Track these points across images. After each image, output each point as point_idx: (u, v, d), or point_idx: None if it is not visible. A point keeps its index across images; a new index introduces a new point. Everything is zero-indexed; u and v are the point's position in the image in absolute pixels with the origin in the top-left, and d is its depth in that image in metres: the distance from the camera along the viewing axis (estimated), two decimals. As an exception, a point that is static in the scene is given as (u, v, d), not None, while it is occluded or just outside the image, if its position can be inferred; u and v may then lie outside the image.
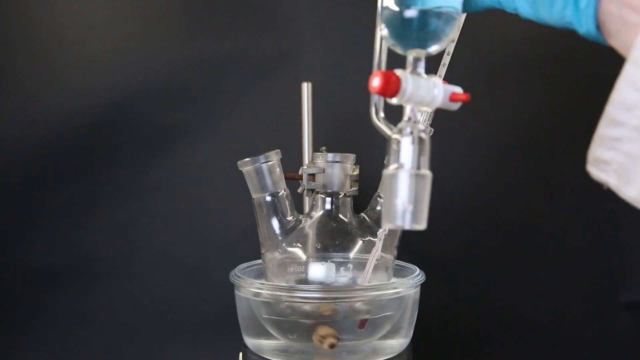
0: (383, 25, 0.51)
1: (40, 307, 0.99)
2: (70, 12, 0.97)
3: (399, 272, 0.73)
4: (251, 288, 0.67)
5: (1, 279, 0.99)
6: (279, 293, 0.66)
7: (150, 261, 1.00)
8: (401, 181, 0.48)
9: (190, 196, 1.01)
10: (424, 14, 0.48)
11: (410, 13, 0.48)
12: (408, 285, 0.68)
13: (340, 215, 0.71)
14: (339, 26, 0.98)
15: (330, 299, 0.65)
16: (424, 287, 0.71)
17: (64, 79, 0.98)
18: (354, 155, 0.72)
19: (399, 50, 0.51)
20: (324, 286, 0.68)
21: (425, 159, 0.49)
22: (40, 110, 0.98)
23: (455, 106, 0.52)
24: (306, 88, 0.80)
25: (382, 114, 0.51)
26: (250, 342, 0.70)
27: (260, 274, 0.73)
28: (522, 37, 0.96)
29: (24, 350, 0.99)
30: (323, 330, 0.65)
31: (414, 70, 0.50)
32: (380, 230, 0.67)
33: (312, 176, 0.71)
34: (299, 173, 0.72)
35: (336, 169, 0.71)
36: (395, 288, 0.67)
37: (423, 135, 0.49)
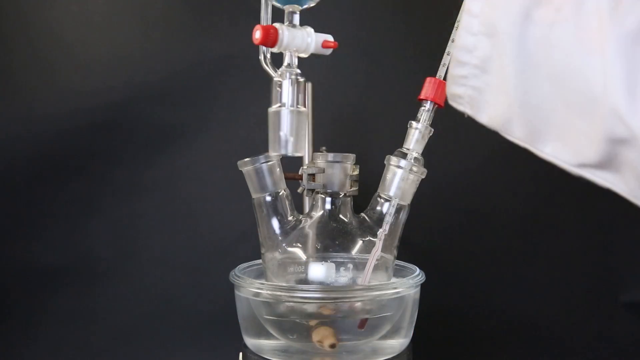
0: None
1: (41, 307, 0.99)
2: (70, 12, 0.97)
3: (399, 272, 0.73)
4: (251, 288, 0.67)
5: (1, 279, 0.99)
6: (279, 293, 0.66)
7: (150, 261, 1.00)
8: (283, 116, 0.58)
9: (190, 196, 1.01)
10: None
11: None
12: (408, 285, 0.68)
13: (341, 216, 0.71)
14: (338, 26, 0.98)
15: (330, 299, 0.65)
16: (424, 287, 0.71)
17: (64, 79, 0.98)
18: (354, 155, 0.72)
19: (278, 5, 0.60)
20: (324, 286, 0.68)
21: (302, 98, 0.59)
22: (40, 110, 0.98)
23: (327, 52, 0.61)
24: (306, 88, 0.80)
25: (269, 59, 0.60)
26: (250, 342, 0.70)
27: (260, 274, 0.73)
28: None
29: (24, 350, 0.99)
30: (322, 331, 0.65)
31: (290, 23, 0.60)
32: (380, 230, 0.67)
33: (312, 176, 0.71)
34: (299, 173, 0.72)
35: (336, 169, 0.71)
36: (395, 288, 0.67)
37: (300, 78, 0.59)
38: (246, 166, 0.68)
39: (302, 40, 0.59)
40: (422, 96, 0.66)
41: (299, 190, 0.72)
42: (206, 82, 0.96)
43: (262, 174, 0.67)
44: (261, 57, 0.61)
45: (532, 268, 1.01)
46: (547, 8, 0.46)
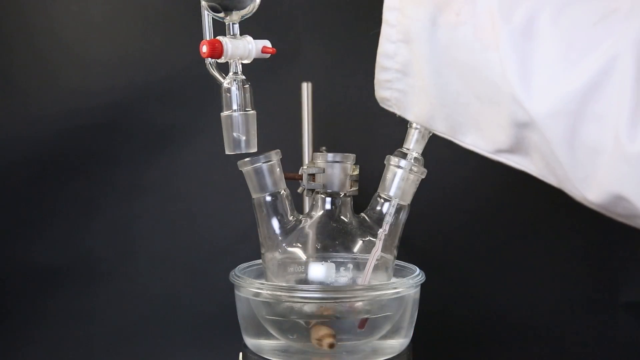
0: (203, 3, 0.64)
1: (40, 307, 0.99)
2: (70, 12, 0.97)
3: (399, 272, 0.73)
4: (251, 288, 0.67)
5: (1, 279, 0.99)
6: (279, 293, 0.66)
7: (150, 261, 1.00)
8: (234, 119, 0.64)
9: (190, 196, 1.00)
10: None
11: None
12: (408, 285, 0.68)
13: (341, 216, 0.71)
14: (339, 26, 0.98)
15: (330, 299, 0.65)
16: (424, 287, 0.71)
17: (64, 79, 0.98)
18: (354, 155, 0.72)
19: (218, 18, 0.64)
20: (324, 286, 0.68)
21: (249, 100, 0.65)
22: (40, 110, 0.97)
23: (267, 56, 0.66)
24: (306, 88, 0.80)
25: (214, 66, 0.65)
26: (250, 342, 0.70)
27: (260, 274, 0.73)
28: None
29: (23, 350, 0.99)
30: (320, 331, 0.65)
31: (231, 34, 0.65)
32: (380, 230, 0.67)
33: (312, 176, 0.71)
34: (299, 173, 0.72)
35: (336, 169, 0.71)
36: (395, 288, 0.67)
37: (245, 84, 0.65)
38: (246, 166, 0.68)
39: (244, 48, 0.65)
40: None
41: (299, 190, 0.72)
42: (206, 82, 0.96)
43: (262, 174, 0.68)
44: (208, 66, 0.66)
45: (532, 268, 1.01)
46: (449, 13, 0.50)
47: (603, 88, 0.43)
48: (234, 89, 0.65)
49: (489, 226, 1.00)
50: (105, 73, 0.98)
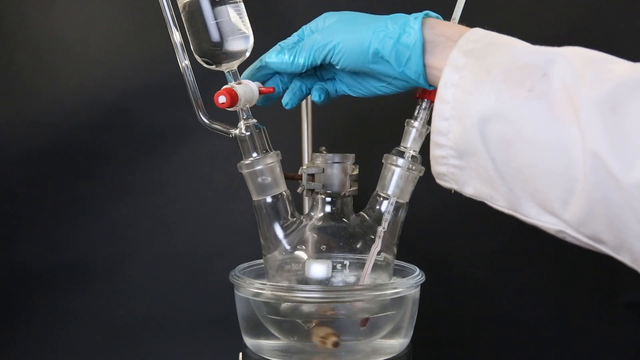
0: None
1: (40, 307, 0.99)
2: (70, 12, 0.97)
3: (399, 272, 0.73)
4: (251, 288, 0.67)
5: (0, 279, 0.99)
6: (279, 293, 0.66)
7: (150, 261, 1.00)
8: (260, 164, 0.66)
9: (190, 196, 1.01)
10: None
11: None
12: (408, 285, 0.68)
13: (341, 215, 0.71)
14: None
15: (330, 299, 0.65)
16: (424, 287, 0.71)
17: (64, 79, 0.98)
18: (354, 155, 0.72)
19: (213, 68, 0.65)
20: (324, 286, 0.68)
21: (264, 142, 0.66)
22: (40, 110, 0.98)
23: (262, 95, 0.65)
24: (306, 88, 0.80)
25: (215, 123, 0.67)
26: (250, 342, 0.70)
27: (260, 274, 0.73)
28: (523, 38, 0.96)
29: (23, 350, 0.99)
30: (323, 331, 0.65)
31: (236, 81, 0.65)
32: (380, 228, 0.67)
33: (311, 176, 0.71)
34: (299, 173, 0.72)
35: (336, 169, 0.71)
36: (395, 288, 0.67)
37: (258, 126, 0.66)
38: (246, 169, 0.68)
39: (250, 92, 0.63)
40: (418, 94, 0.66)
41: (299, 191, 0.72)
42: (206, 82, 0.96)
43: (262, 177, 0.67)
44: (209, 124, 0.67)
45: (532, 268, 1.01)
46: (519, 89, 0.49)
47: None
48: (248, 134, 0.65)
49: (489, 226, 1.00)
50: (105, 73, 0.98)
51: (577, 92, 0.47)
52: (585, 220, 0.48)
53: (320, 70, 0.68)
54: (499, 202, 0.54)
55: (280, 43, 0.66)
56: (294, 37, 0.66)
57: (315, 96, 0.68)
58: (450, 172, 0.55)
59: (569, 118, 0.47)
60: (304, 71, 0.64)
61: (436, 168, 0.57)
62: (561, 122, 0.47)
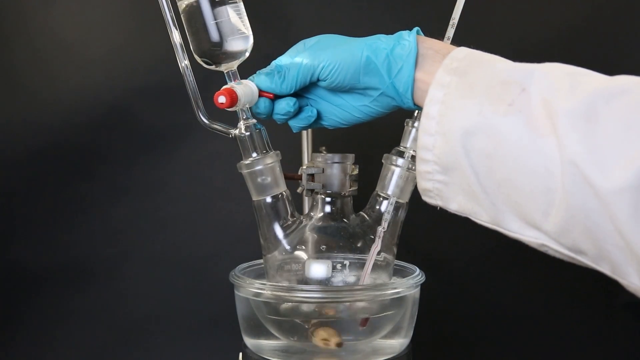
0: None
1: (40, 307, 0.99)
2: (70, 12, 0.97)
3: (399, 272, 0.73)
4: (251, 288, 0.67)
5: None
6: (279, 293, 0.66)
7: (150, 261, 1.00)
8: (260, 164, 0.66)
9: (190, 196, 1.01)
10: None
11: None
12: (408, 285, 0.68)
13: (341, 215, 0.71)
14: (339, 26, 0.98)
15: (330, 299, 0.65)
16: (424, 287, 0.71)
17: (64, 79, 0.98)
18: (353, 155, 0.72)
19: (213, 68, 0.65)
20: (324, 286, 0.68)
21: (264, 142, 0.66)
22: (40, 110, 0.98)
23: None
24: (306, 88, 0.80)
25: (214, 123, 0.68)
26: (250, 342, 0.70)
27: (260, 274, 0.73)
28: (524, 38, 0.96)
29: (23, 350, 0.99)
30: (325, 332, 0.65)
31: (236, 80, 0.64)
32: (379, 227, 0.67)
33: (311, 176, 0.71)
34: (299, 173, 0.72)
35: (336, 169, 0.71)
36: (395, 288, 0.67)
37: (257, 126, 0.66)
38: (246, 169, 0.67)
39: (250, 93, 0.63)
40: None
41: (299, 191, 0.72)
42: (206, 82, 0.96)
43: (262, 177, 0.67)
44: (209, 124, 0.68)
45: (532, 268, 1.01)
46: (499, 104, 0.50)
47: None
48: (249, 134, 0.65)
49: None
50: (105, 73, 0.98)
51: (554, 103, 0.48)
52: (565, 230, 0.48)
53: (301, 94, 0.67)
54: (483, 217, 0.54)
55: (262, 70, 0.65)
56: (272, 65, 0.64)
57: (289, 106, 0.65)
58: (436, 188, 0.56)
59: (546, 129, 0.48)
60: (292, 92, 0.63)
61: (422, 184, 0.57)
62: (539, 133, 0.48)
